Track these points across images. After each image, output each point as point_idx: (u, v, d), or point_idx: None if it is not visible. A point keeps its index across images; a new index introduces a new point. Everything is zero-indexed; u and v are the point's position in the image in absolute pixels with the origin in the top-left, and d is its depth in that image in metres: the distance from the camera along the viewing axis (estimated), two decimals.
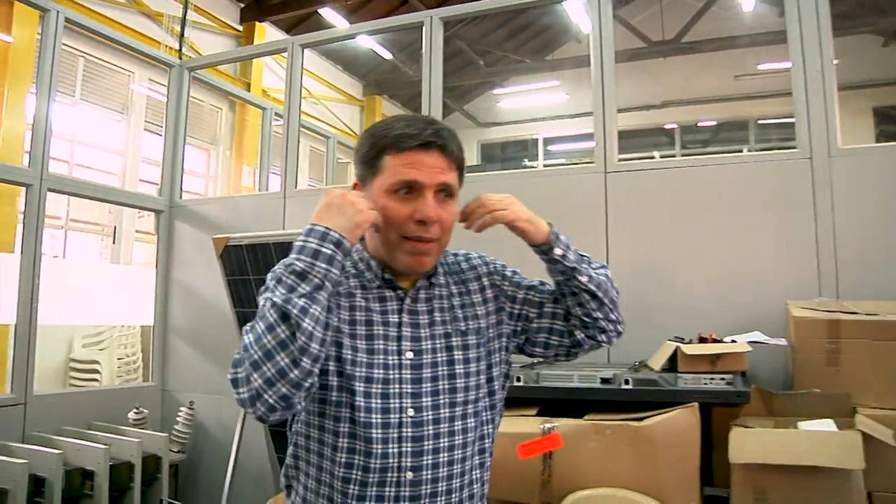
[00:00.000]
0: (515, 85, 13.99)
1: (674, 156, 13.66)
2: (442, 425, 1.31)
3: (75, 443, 3.54)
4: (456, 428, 1.33)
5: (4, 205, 5.90)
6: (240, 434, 3.69)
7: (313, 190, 6.20)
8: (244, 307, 3.45)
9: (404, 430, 1.28)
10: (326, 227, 1.22)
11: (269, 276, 1.23)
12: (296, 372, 1.13)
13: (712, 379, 2.72)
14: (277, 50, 5.36)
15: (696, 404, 2.63)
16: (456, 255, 1.52)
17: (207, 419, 4.39)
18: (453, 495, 1.32)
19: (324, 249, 1.19)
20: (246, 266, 3.38)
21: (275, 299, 1.15)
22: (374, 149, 1.34)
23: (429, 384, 1.33)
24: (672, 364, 2.85)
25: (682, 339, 3.02)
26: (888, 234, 3.16)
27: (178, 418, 4.28)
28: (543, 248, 1.42)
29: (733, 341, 2.90)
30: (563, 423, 2.70)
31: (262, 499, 3.99)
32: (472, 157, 15.17)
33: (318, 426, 1.31)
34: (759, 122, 12.34)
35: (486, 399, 1.40)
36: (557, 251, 1.40)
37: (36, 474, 3.23)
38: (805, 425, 2.59)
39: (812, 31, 3.43)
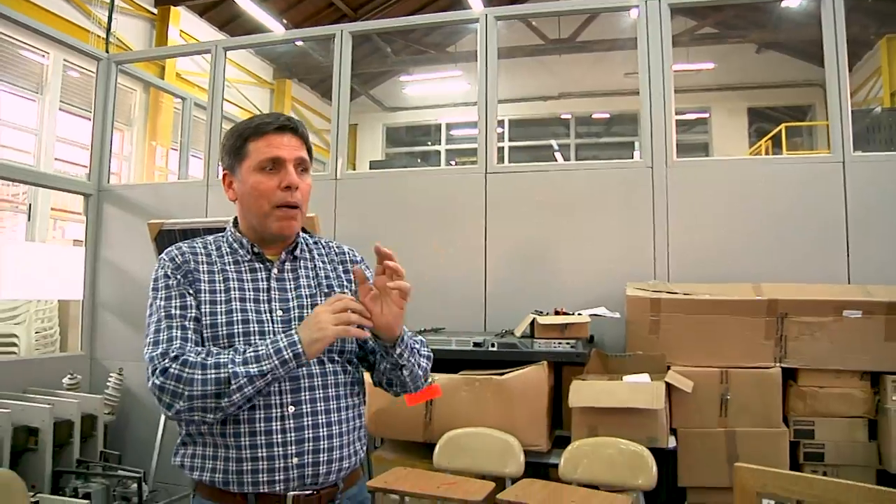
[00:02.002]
0: (421, 73, 14.54)
1: (569, 145, 14.65)
2: (314, 368, 1.54)
3: (21, 403, 3.99)
4: (327, 369, 1.55)
5: None
6: None
7: None
8: None
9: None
10: (299, 338, 1.43)
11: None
12: (212, 416, 1.42)
13: (560, 343, 3.50)
14: (202, 51, 5.80)
15: (545, 363, 3.41)
16: (332, 242, 1.77)
17: (134, 384, 4.87)
18: (332, 424, 1.53)
19: (284, 353, 1.42)
20: None
21: (231, 367, 1.40)
22: (240, 139, 1.58)
23: None
24: (531, 331, 3.62)
25: (541, 311, 3.80)
26: (709, 230, 4.02)
27: (108, 383, 4.75)
28: (387, 346, 1.57)
29: (580, 314, 3.70)
30: (441, 377, 3.42)
31: None
32: (377, 140, 15.68)
33: None
34: None
35: (352, 344, 1.62)
36: (397, 351, 1.56)
37: None
38: (628, 378, 3.40)
39: (657, 63, 4.19)
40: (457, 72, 13.80)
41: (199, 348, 1.47)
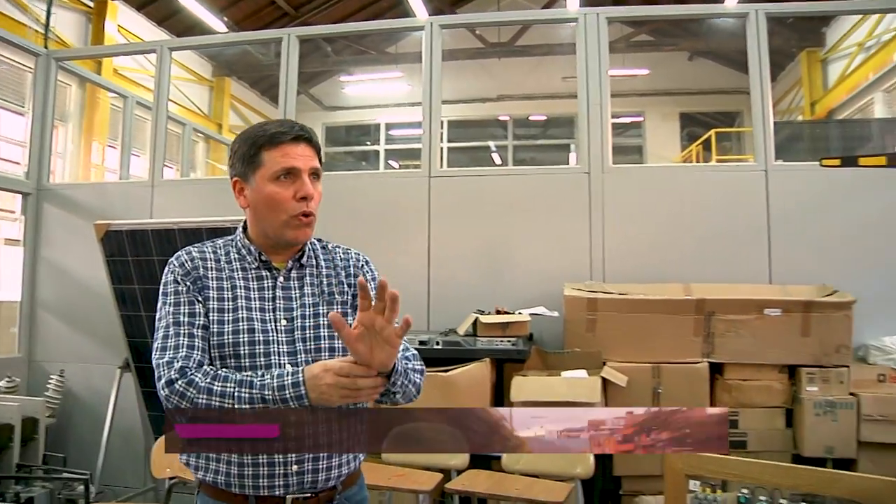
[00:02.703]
0: (361, 73, 14.58)
1: (506, 146, 14.90)
2: None
3: None
4: None
5: None
6: (115, 398, 4.22)
7: (180, 180, 6.63)
8: (122, 284, 3.97)
9: None
10: (305, 391, 1.41)
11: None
12: None
13: (501, 341, 3.67)
14: (147, 50, 5.76)
15: (488, 360, 3.57)
16: (339, 246, 1.75)
17: (76, 386, 4.83)
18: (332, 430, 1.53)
19: (290, 402, 1.42)
20: (125, 249, 3.91)
21: (236, 405, 1.42)
22: (253, 147, 1.58)
23: (301, 344, 1.57)
24: (474, 330, 3.78)
25: (483, 311, 3.96)
26: (642, 233, 4.25)
27: (49, 385, 4.70)
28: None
29: (520, 313, 3.87)
30: None
31: (131, 452, 4.54)
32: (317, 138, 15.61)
33: None
34: None
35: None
36: (390, 380, 1.47)
37: None
38: (566, 374, 3.59)
39: (594, 74, 4.40)
40: (397, 73, 13.88)
41: (207, 367, 1.50)
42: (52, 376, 4.72)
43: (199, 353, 1.51)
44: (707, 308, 3.70)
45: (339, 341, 1.53)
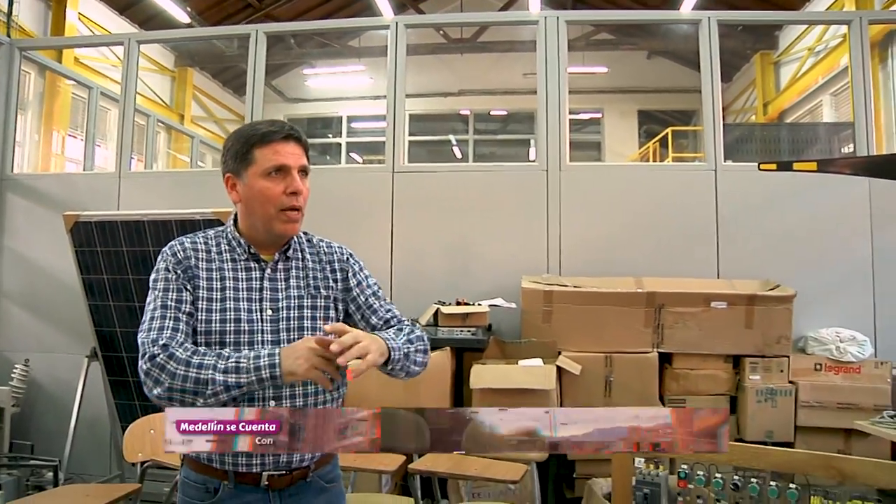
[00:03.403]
0: (324, 66, 14.58)
1: (467, 141, 15.06)
2: None
3: None
4: None
5: None
6: (82, 387, 4.26)
7: (147, 172, 6.65)
8: (90, 274, 4.02)
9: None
10: (279, 361, 1.48)
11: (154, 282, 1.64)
12: (191, 405, 1.51)
13: (462, 331, 3.83)
14: (114, 42, 5.78)
15: (448, 348, 3.73)
16: (323, 240, 1.83)
17: (41, 375, 4.86)
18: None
19: (263, 371, 1.49)
20: (94, 239, 3.96)
21: (212, 374, 1.49)
22: (246, 145, 1.67)
23: (285, 333, 1.65)
24: (435, 320, 3.93)
25: (444, 302, 4.11)
26: (597, 229, 4.44)
27: (13, 375, 4.72)
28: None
29: (479, 304, 4.03)
30: (352, 363, 3.66)
31: (97, 440, 4.59)
32: None
33: None
34: None
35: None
36: (388, 368, 1.60)
37: None
38: (523, 362, 3.77)
39: (553, 75, 4.57)
40: (360, 66, 13.91)
41: (188, 344, 1.58)
42: (16, 366, 4.74)
43: (183, 335, 1.59)
44: (657, 301, 3.90)
45: (320, 332, 1.65)
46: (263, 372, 1.49)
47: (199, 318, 1.63)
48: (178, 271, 1.66)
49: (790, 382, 3.89)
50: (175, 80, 12.78)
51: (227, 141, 1.75)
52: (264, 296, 1.68)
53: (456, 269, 4.51)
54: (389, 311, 1.79)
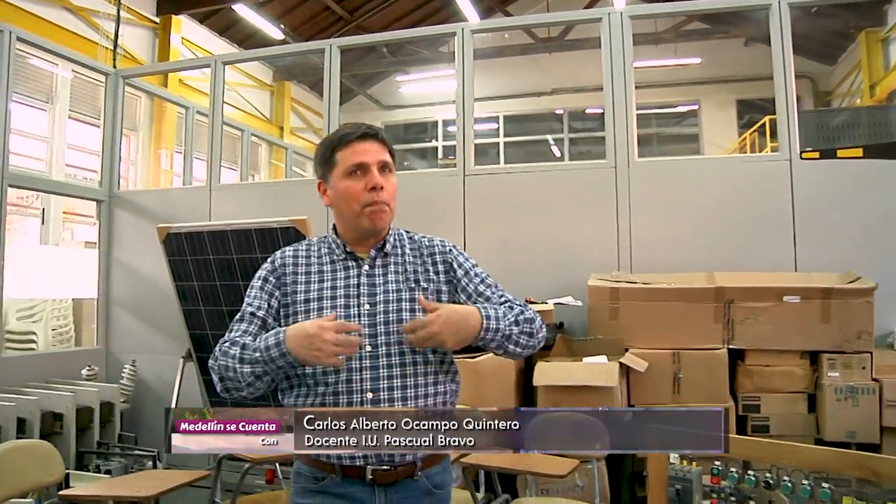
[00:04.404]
0: (416, 72, 14.87)
1: (562, 140, 14.98)
2: (393, 358, 1.66)
3: (47, 392, 4.41)
4: (406, 360, 1.66)
5: None
6: (179, 385, 4.62)
7: (236, 184, 7.07)
8: (182, 281, 4.35)
9: (363, 361, 1.65)
10: (284, 338, 1.57)
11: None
12: (246, 395, 1.65)
13: None
14: (202, 65, 6.21)
15: None
16: (426, 237, 1.86)
17: (147, 375, 5.29)
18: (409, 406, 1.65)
19: (273, 351, 1.57)
20: (184, 249, 4.28)
21: (241, 367, 1.60)
22: (328, 150, 1.74)
23: (382, 327, 1.68)
24: None
25: None
26: (669, 225, 4.40)
27: (123, 374, 5.17)
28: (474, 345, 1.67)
29: (545, 302, 4.08)
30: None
31: None
32: None
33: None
34: (637, 112, 13.79)
35: None
36: (479, 343, 1.66)
37: (19, 416, 4.10)
38: (587, 360, 3.79)
39: (619, 72, 4.55)
40: (451, 70, 14.06)
41: (248, 339, 1.66)
42: (125, 366, 5.18)
43: (250, 338, 1.67)
44: (726, 296, 3.83)
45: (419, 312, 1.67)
46: (277, 361, 1.57)
47: (299, 320, 1.68)
48: (272, 278, 1.76)
49: (874, 380, 3.71)
50: (274, 93, 13.38)
51: (316, 149, 1.83)
52: (361, 291, 1.72)
53: (528, 269, 4.57)
54: (503, 296, 1.79)
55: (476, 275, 1.81)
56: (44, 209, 8.16)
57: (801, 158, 3.61)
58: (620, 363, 3.68)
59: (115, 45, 6.75)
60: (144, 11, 9.76)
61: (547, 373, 3.67)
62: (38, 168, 8.31)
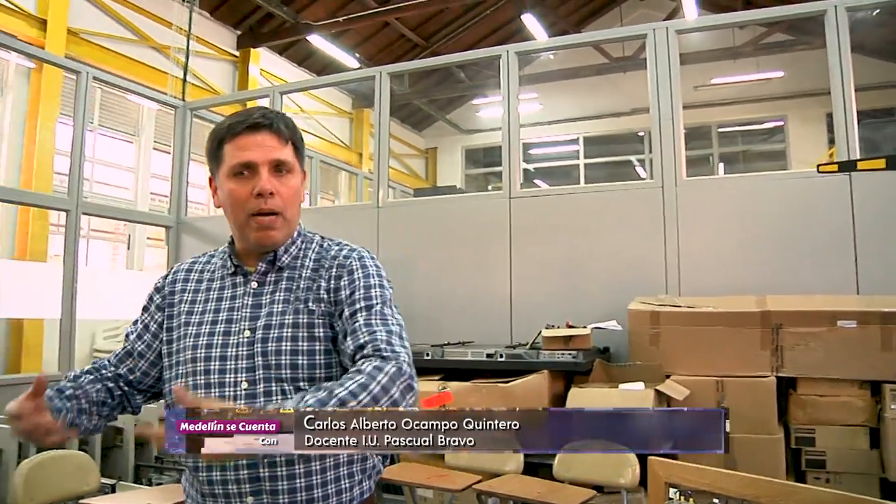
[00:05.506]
0: (494, 96, 14.93)
1: (644, 161, 14.65)
2: (274, 396, 1.36)
3: None
4: (289, 399, 1.32)
5: (39, 219, 7.01)
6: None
7: None
8: None
9: (238, 401, 1.36)
10: None
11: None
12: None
13: (563, 354, 3.80)
14: (261, 95, 6.45)
15: (546, 371, 3.72)
16: (341, 246, 1.53)
17: None
18: (293, 463, 1.37)
19: None
20: None
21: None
22: (215, 141, 1.44)
23: (260, 359, 1.39)
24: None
25: (552, 325, 4.09)
26: (718, 245, 4.21)
27: None
28: None
29: (585, 327, 3.97)
30: (454, 385, 3.79)
31: None
32: (456, 161, 16.17)
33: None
34: (720, 129, 13.36)
35: (322, 371, 1.40)
36: None
37: None
38: (623, 386, 3.66)
39: (665, 88, 4.41)
40: (532, 94, 14.10)
41: (104, 370, 1.54)
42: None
43: (116, 359, 1.55)
44: (774, 320, 3.61)
45: (304, 357, 1.39)
46: None
47: (176, 348, 1.47)
48: (157, 299, 1.55)
49: None
50: (353, 121, 13.73)
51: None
52: (243, 315, 1.43)
53: (573, 292, 4.46)
54: (373, 333, 1.37)
55: (360, 298, 1.43)
56: (129, 235, 8.65)
57: (819, 172, 3.38)
58: (657, 391, 3.53)
59: (185, 80, 7.11)
60: (225, 46, 10.27)
61: (579, 399, 3.56)
62: (126, 197, 8.82)
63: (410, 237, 4.92)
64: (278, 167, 1.42)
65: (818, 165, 3.41)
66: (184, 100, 6.21)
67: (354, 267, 1.47)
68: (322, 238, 1.55)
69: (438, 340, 4.34)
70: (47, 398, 1.34)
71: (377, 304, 1.42)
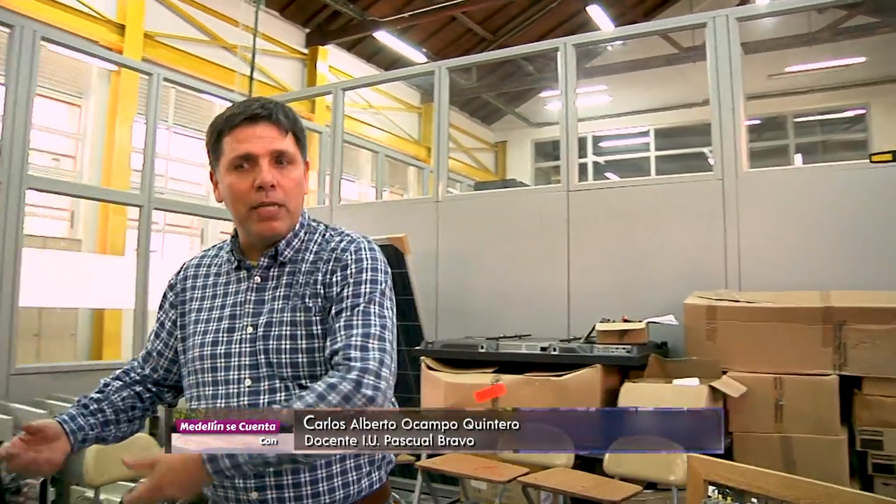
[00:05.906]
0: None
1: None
2: (278, 395, 1.37)
3: None
4: (293, 397, 1.34)
5: (117, 214, 7.39)
6: None
7: (358, 203, 7.43)
8: None
9: (241, 398, 1.37)
10: None
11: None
12: None
13: (617, 348, 3.77)
14: (324, 92, 6.59)
15: (599, 365, 3.70)
16: (343, 236, 1.50)
17: None
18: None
19: None
20: None
21: None
22: (213, 134, 1.42)
23: (262, 357, 1.38)
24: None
25: (608, 319, 4.06)
26: (781, 238, 4.10)
27: None
28: None
29: (640, 321, 3.93)
30: (507, 378, 3.81)
31: None
32: (526, 154, 16.11)
33: (189, 397, 1.48)
34: (796, 119, 12.86)
35: (322, 368, 1.39)
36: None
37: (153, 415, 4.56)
38: (677, 382, 3.61)
39: (725, 78, 4.32)
40: (601, 86, 13.93)
41: (133, 373, 1.57)
42: None
43: (142, 359, 1.59)
44: (836, 317, 3.50)
45: (304, 356, 1.38)
46: None
47: (187, 345, 1.48)
48: (170, 297, 1.57)
49: None
50: (421, 115, 13.86)
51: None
52: (246, 311, 1.43)
53: (631, 286, 4.42)
54: (349, 337, 1.35)
55: (348, 296, 1.40)
56: (202, 229, 8.99)
57: (871, 162, 3.23)
58: (712, 387, 3.47)
59: (251, 77, 7.33)
60: (294, 44, 10.53)
61: (632, 395, 3.54)
62: (200, 193, 9.17)
63: (469, 231, 4.95)
64: (279, 158, 1.40)
65: (870, 155, 3.26)
66: (250, 97, 6.41)
67: (349, 261, 1.43)
68: (326, 227, 1.53)
69: (496, 334, 4.37)
70: (67, 418, 1.40)
71: (363, 301, 1.39)
